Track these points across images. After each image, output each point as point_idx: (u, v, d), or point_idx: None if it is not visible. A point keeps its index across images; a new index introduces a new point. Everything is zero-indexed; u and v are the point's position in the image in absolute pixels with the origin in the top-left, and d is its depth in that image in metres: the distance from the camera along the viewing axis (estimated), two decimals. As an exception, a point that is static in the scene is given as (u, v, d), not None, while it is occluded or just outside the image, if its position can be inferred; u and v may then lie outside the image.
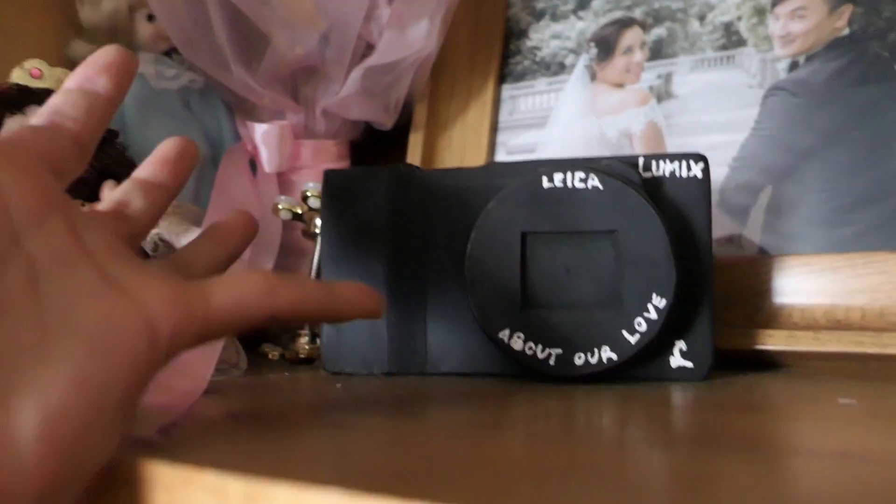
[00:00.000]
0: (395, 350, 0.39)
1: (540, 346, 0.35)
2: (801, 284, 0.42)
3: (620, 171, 0.36)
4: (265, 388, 0.36)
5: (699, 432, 0.25)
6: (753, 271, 0.44)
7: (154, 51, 0.54)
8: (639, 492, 0.17)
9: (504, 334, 0.36)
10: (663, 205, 0.36)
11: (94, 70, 0.25)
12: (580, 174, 0.36)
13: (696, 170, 0.37)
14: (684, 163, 0.37)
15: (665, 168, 0.37)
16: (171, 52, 0.55)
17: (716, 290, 0.44)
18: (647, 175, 0.37)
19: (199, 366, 0.36)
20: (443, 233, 0.39)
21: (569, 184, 0.36)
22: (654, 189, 0.36)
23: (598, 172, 0.36)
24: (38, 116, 0.24)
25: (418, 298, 0.39)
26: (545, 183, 0.36)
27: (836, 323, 0.41)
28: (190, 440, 0.22)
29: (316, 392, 0.34)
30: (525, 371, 0.36)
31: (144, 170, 0.29)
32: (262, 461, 0.19)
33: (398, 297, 0.39)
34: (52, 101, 0.24)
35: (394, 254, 0.40)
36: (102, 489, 0.20)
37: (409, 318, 0.39)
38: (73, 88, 0.25)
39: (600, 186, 0.35)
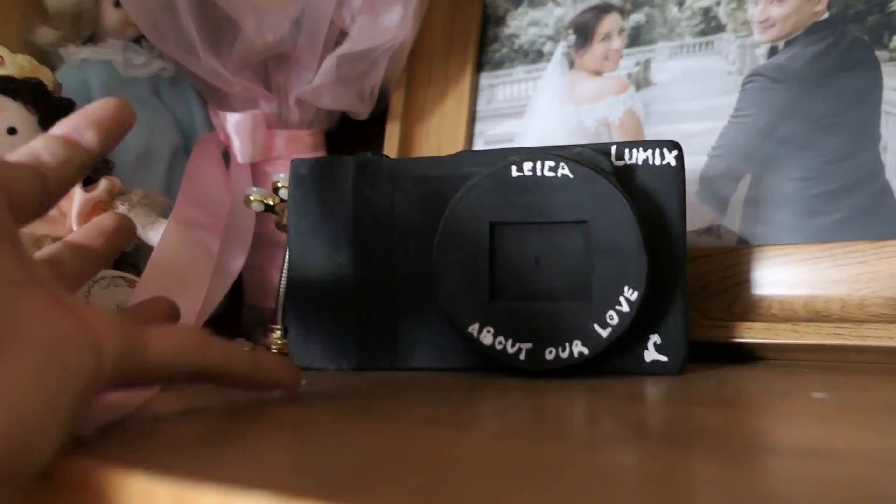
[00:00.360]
0: (363, 344, 0.38)
1: (510, 341, 0.34)
2: (781, 275, 0.41)
3: (591, 160, 0.35)
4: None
5: (669, 428, 0.24)
6: (732, 262, 0.43)
7: (122, 38, 0.53)
8: (601, 490, 0.16)
9: (474, 328, 0.35)
10: (636, 194, 0.35)
11: (84, 122, 0.25)
12: (549, 163, 0.35)
13: (670, 157, 0.36)
14: (658, 151, 0.36)
15: (638, 156, 0.36)
16: (140, 40, 0.53)
17: (694, 280, 0.43)
18: (619, 163, 0.36)
19: None
20: (411, 223, 0.38)
21: (538, 172, 0.35)
22: (626, 177, 0.35)
23: (567, 161, 0.34)
24: (17, 153, 0.24)
25: (387, 291, 0.38)
26: (514, 172, 0.35)
27: (815, 314, 0.40)
28: (127, 440, 0.21)
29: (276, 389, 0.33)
30: (496, 366, 0.35)
31: (80, 234, 0.30)
32: (196, 463, 0.19)
33: (366, 289, 0.38)
34: (35, 143, 0.24)
35: (362, 245, 0.38)
36: (33, 489, 0.20)
37: (377, 312, 0.38)
38: (58, 135, 0.25)
39: (570, 175, 0.34)
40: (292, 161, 0.39)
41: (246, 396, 0.29)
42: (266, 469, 0.18)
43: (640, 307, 0.34)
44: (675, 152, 0.36)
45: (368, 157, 0.39)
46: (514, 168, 0.35)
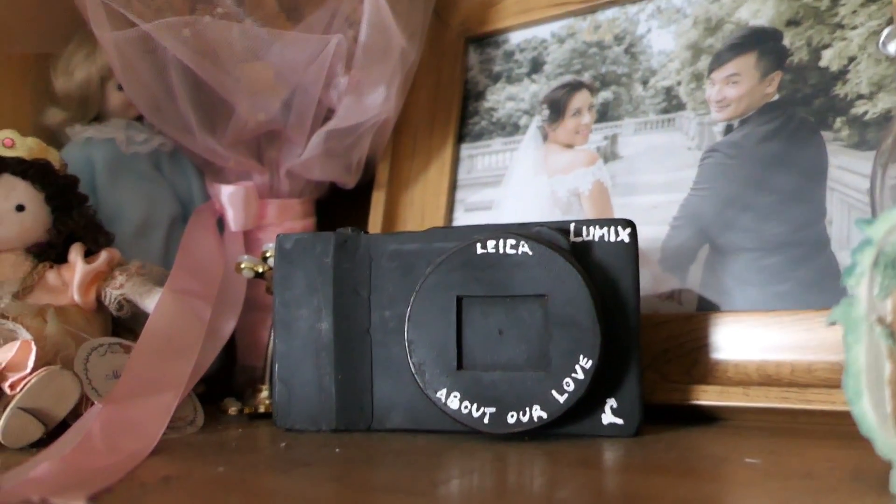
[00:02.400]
0: (341, 408, 0.41)
1: (475, 405, 0.37)
2: (735, 340, 0.44)
3: (550, 238, 0.38)
4: (212, 447, 0.38)
5: (615, 495, 0.27)
6: (690, 327, 0.45)
7: (125, 117, 0.57)
8: None
9: (441, 394, 0.38)
10: (592, 269, 0.38)
11: None
12: (511, 241, 0.38)
13: (624, 234, 0.39)
14: (613, 228, 0.39)
15: (595, 233, 0.39)
16: (141, 118, 0.57)
17: (656, 344, 0.46)
18: (577, 240, 0.39)
19: (151, 426, 0.37)
20: (387, 294, 0.41)
21: (501, 250, 0.38)
22: (583, 253, 0.38)
23: (527, 239, 0.38)
24: None
25: (364, 357, 0.41)
26: (479, 249, 0.38)
27: (767, 378, 0.43)
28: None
29: (257, 452, 0.36)
30: (463, 428, 0.37)
31: None
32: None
33: (345, 356, 0.41)
34: None
35: (340, 314, 0.41)
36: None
37: (355, 377, 0.41)
38: None
39: (530, 252, 0.37)
40: (277, 237, 0.43)
41: (228, 463, 0.32)
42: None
43: (594, 375, 0.36)
44: (628, 230, 0.39)
45: (348, 233, 0.42)
46: (478, 246, 0.38)
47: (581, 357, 0.36)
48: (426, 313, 0.38)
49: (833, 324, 0.26)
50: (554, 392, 0.36)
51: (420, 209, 0.60)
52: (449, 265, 0.38)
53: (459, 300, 0.38)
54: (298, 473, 0.30)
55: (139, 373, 0.41)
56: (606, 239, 0.39)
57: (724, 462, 0.31)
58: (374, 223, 0.59)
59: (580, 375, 0.36)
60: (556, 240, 0.38)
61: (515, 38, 0.61)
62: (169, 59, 0.50)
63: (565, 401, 0.36)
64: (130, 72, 0.50)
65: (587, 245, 0.39)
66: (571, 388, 0.36)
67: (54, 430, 0.39)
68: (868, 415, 0.25)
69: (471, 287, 0.38)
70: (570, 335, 0.37)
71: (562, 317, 0.37)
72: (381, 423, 0.41)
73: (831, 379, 0.41)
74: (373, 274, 0.41)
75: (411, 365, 0.38)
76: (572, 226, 0.39)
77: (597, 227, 0.39)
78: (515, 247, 0.38)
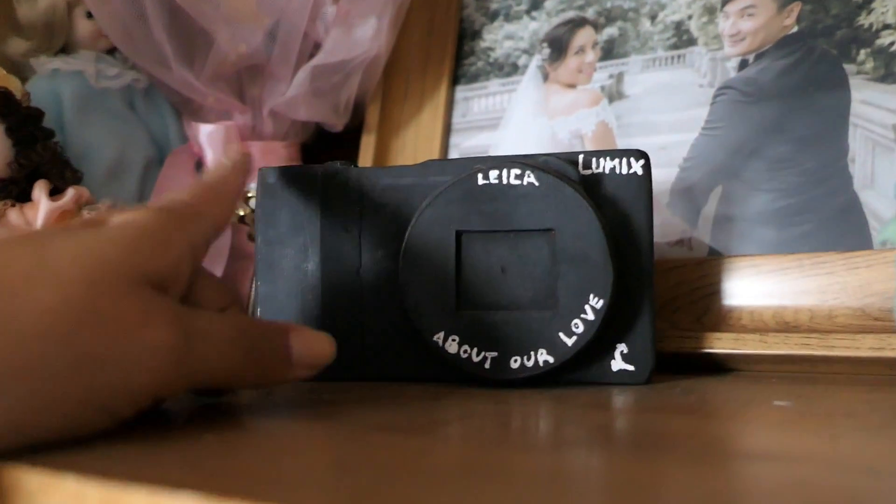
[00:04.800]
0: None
1: (475, 350, 0.34)
2: (750, 286, 0.41)
3: (558, 168, 0.35)
4: (188, 398, 0.35)
5: (631, 434, 0.24)
6: (702, 273, 0.43)
7: (94, 49, 0.52)
8: (561, 495, 0.16)
9: (439, 337, 0.35)
10: (603, 203, 0.35)
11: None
12: (515, 171, 0.34)
13: (637, 167, 0.36)
14: (625, 160, 0.36)
15: (605, 165, 0.36)
16: (113, 51, 0.53)
17: (665, 292, 0.43)
18: (586, 172, 0.36)
19: None
20: (379, 232, 0.38)
21: (504, 180, 0.35)
22: (593, 186, 0.35)
23: (534, 169, 0.34)
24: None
25: (353, 301, 0.38)
26: (480, 180, 0.35)
27: (784, 325, 0.40)
28: (63, 445, 0.21)
29: (237, 396, 0.33)
30: (462, 375, 0.35)
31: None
32: (125, 465, 0.18)
33: (333, 298, 0.38)
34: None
35: (328, 254, 0.38)
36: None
37: (343, 322, 0.38)
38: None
39: (536, 183, 0.34)
40: (260, 170, 0.39)
41: (199, 406, 0.28)
42: (197, 471, 0.18)
43: (605, 316, 0.33)
44: (641, 161, 0.36)
45: (336, 166, 0.39)
46: (480, 176, 0.35)
47: (591, 296, 0.33)
48: (422, 250, 0.35)
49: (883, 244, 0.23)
50: (561, 334, 0.33)
51: (412, 154, 0.57)
52: (447, 198, 0.35)
53: (459, 235, 0.35)
54: (277, 415, 0.27)
55: None
56: (618, 171, 0.36)
57: (751, 404, 0.29)
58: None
59: (590, 316, 0.33)
60: (565, 170, 0.35)
61: (514, -27, 0.57)
62: (141, -19, 0.46)
63: (574, 344, 0.33)
64: (100, -5, 0.45)
65: (597, 178, 0.36)
66: (581, 329, 0.33)
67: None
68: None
69: (471, 221, 0.35)
70: (579, 273, 0.34)
71: (570, 253, 0.34)
72: (372, 370, 0.37)
73: (853, 325, 0.38)
74: (363, 210, 0.38)
75: (405, 306, 0.35)
76: (581, 157, 0.36)
77: (607, 158, 0.36)
78: (520, 177, 0.35)
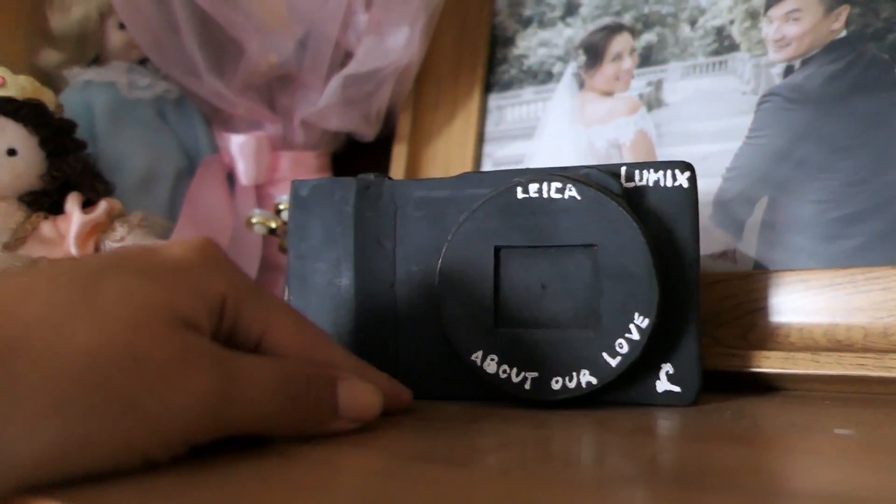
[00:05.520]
0: None
1: (515, 370, 0.33)
2: (799, 302, 0.40)
3: (600, 181, 0.34)
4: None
5: (681, 467, 0.23)
6: (748, 287, 0.41)
7: (127, 59, 0.52)
8: None
9: (477, 356, 0.33)
10: (647, 217, 0.34)
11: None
12: (556, 184, 0.33)
13: (682, 179, 0.34)
14: (669, 172, 0.34)
15: (649, 177, 0.34)
16: (145, 62, 0.53)
17: (708, 306, 0.41)
18: (629, 185, 0.34)
19: None
20: (414, 246, 0.37)
21: (545, 194, 0.33)
22: (636, 200, 0.34)
23: (575, 182, 0.33)
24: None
25: (388, 317, 0.37)
26: (519, 193, 0.34)
27: (836, 343, 0.38)
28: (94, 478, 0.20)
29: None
30: (501, 395, 0.33)
31: None
32: (160, 499, 0.17)
33: (367, 314, 0.37)
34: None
35: (362, 268, 0.37)
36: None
37: (378, 338, 0.37)
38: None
39: (578, 197, 0.33)
40: (292, 182, 0.38)
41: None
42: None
43: (651, 335, 0.32)
44: (687, 173, 0.34)
45: (370, 179, 0.38)
46: (519, 190, 0.34)
47: (636, 315, 0.32)
48: (460, 266, 0.34)
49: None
50: (605, 354, 0.32)
51: (444, 164, 0.56)
52: (485, 212, 0.34)
53: (497, 251, 0.34)
54: (319, 444, 0.26)
55: None
56: (662, 184, 0.34)
57: (810, 432, 0.27)
58: (396, 178, 0.55)
59: (635, 336, 0.32)
60: (608, 183, 0.34)
61: (548, -22, 0.56)
62: (173, -8, 0.45)
63: (618, 364, 0.32)
64: (131, 6, 0.45)
65: (640, 191, 0.34)
66: (625, 349, 0.32)
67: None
68: None
69: (510, 236, 0.34)
70: (623, 290, 0.32)
71: (614, 269, 0.32)
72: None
73: (910, 344, 0.37)
74: (398, 224, 0.37)
75: (442, 323, 0.34)
76: (623, 169, 0.35)
77: (651, 170, 0.34)
78: (561, 190, 0.33)
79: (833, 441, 0.25)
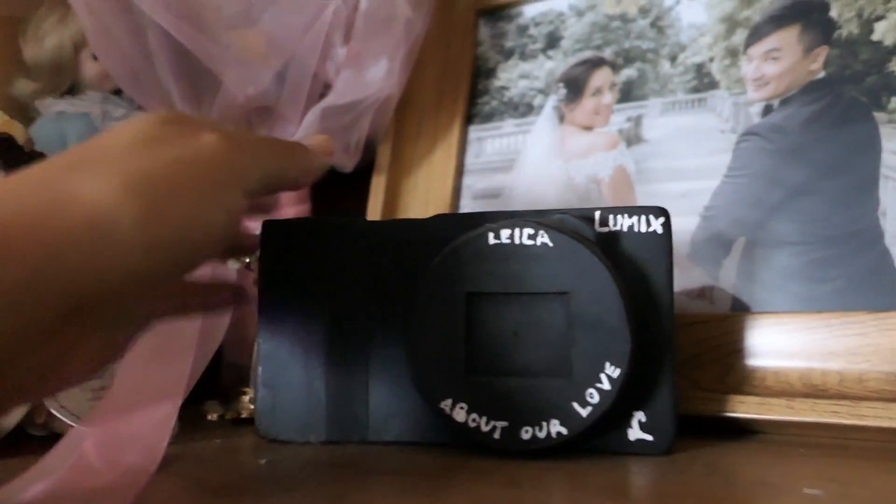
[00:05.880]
0: (333, 416, 0.36)
1: (484, 418, 0.32)
2: (776, 345, 0.39)
3: (573, 227, 0.33)
4: (185, 462, 0.33)
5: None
6: (726, 329, 0.41)
7: (101, 89, 0.52)
8: None
9: (446, 404, 0.33)
10: (621, 263, 0.33)
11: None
12: (528, 230, 0.33)
13: (657, 224, 0.34)
14: (644, 217, 0.34)
15: (623, 222, 0.34)
16: (119, 92, 0.52)
17: (686, 348, 0.41)
18: (603, 230, 0.34)
19: (152, 438, 0.32)
20: (387, 290, 0.36)
21: (517, 240, 0.33)
22: (610, 245, 0.34)
23: (548, 229, 0.33)
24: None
25: (360, 360, 0.36)
26: (491, 239, 0.33)
27: (812, 388, 0.38)
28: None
29: (231, 470, 0.31)
30: (470, 444, 0.33)
31: None
32: None
33: (339, 358, 0.36)
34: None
35: (335, 311, 0.37)
36: None
37: (349, 382, 0.36)
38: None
39: (549, 244, 0.33)
40: (263, 223, 0.38)
41: (199, 484, 0.27)
42: None
43: (622, 385, 0.31)
44: (661, 219, 0.34)
45: (343, 221, 0.37)
46: (490, 235, 0.33)
47: (607, 364, 0.32)
48: (431, 311, 0.34)
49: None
50: (575, 404, 0.32)
51: (424, 195, 0.55)
52: (457, 257, 0.34)
53: (469, 297, 0.33)
54: (272, 497, 0.26)
55: (131, 382, 0.36)
56: (636, 229, 0.34)
57: (780, 492, 0.27)
58: (374, 210, 0.54)
59: (606, 386, 0.32)
60: (581, 229, 0.33)
61: (530, 11, 0.56)
62: (148, 22, 0.45)
63: (588, 415, 0.31)
64: (104, 37, 0.45)
65: (615, 236, 0.34)
66: (596, 399, 0.32)
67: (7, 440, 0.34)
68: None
69: (482, 282, 0.33)
70: (595, 339, 0.32)
71: (586, 318, 0.32)
72: (378, 434, 0.36)
73: (886, 391, 0.36)
74: (371, 266, 0.37)
75: (412, 370, 0.33)
76: (597, 214, 0.34)
77: (626, 215, 0.34)
78: (533, 237, 0.33)
79: (803, 501, 0.25)
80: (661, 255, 0.34)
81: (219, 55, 0.47)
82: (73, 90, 0.52)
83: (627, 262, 0.34)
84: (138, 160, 0.23)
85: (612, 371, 0.31)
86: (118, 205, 0.22)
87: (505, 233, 0.33)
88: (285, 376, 0.37)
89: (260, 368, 0.37)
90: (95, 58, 0.50)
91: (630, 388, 0.32)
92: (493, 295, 0.33)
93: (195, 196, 0.24)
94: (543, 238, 0.33)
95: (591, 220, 0.34)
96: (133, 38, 0.46)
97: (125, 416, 0.34)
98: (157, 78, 0.47)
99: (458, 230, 0.35)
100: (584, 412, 0.32)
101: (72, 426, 0.35)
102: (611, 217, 0.34)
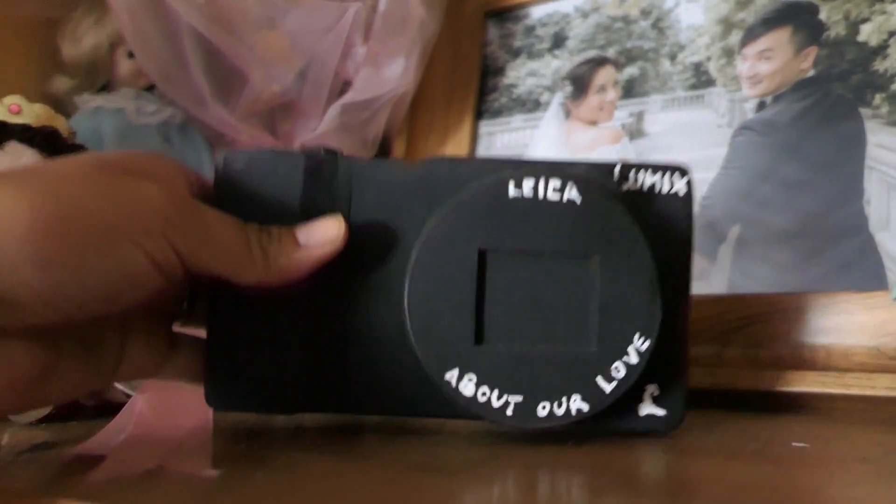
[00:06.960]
0: (305, 384, 0.30)
1: (496, 392, 0.28)
2: (769, 323, 0.42)
3: (601, 182, 0.30)
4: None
5: (658, 483, 0.25)
6: (722, 309, 0.44)
7: (135, 86, 0.55)
8: None
9: (452, 375, 0.28)
10: (642, 226, 0.29)
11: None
12: (555, 182, 0.29)
13: (680, 185, 0.31)
14: (667, 175, 0.31)
15: (645, 180, 0.31)
16: (151, 88, 0.55)
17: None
18: (626, 187, 0.31)
19: (203, 407, 0.31)
20: (375, 241, 0.30)
21: (540, 194, 0.29)
22: (633, 205, 0.30)
23: (577, 182, 0.29)
24: None
25: (339, 321, 0.30)
26: (512, 190, 0.29)
27: (801, 363, 0.41)
28: (111, 488, 0.22)
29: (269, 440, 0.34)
30: (475, 418, 0.29)
31: None
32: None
33: (313, 319, 0.30)
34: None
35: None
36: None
37: (325, 348, 0.30)
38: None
39: (577, 200, 0.29)
40: (221, 152, 0.31)
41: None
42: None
43: (650, 359, 0.29)
44: (685, 179, 0.31)
45: (321, 155, 0.31)
46: (511, 185, 0.29)
47: (636, 336, 0.29)
48: (435, 269, 0.29)
49: (897, 299, 0.25)
50: (600, 379, 0.28)
51: (437, 187, 0.58)
52: (470, 209, 0.29)
53: (483, 255, 0.29)
54: (324, 453, 0.29)
55: None
56: (657, 189, 0.31)
57: (770, 444, 0.30)
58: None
59: (633, 359, 0.29)
60: (609, 185, 0.30)
61: (536, 12, 0.59)
62: (182, 26, 0.48)
63: (612, 391, 0.28)
64: (142, 37, 0.48)
65: (637, 195, 0.31)
66: (622, 374, 0.28)
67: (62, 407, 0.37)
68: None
69: (498, 239, 0.29)
70: (624, 308, 0.29)
71: (616, 284, 0.29)
72: (359, 405, 0.31)
73: (869, 364, 0.39)
74: (355, 212, 0.30)
75: (412, 335, 0.28)
76: (617, 167, 0.30)
77: (649, 172, 0.31)
78: (560, 190, 0.29)
79: (793, 453, 0.28)
80: (684, 220, 0.31)
81: (246, 55, 0.50)
82: (107, 87, 0.55)
83: (650, 226, 0.29)
84: (61, 184, 0.24)
85: (641, 343, 0.29)
86: (14, 215, 0.22)
87: (528, 184, 0.29)
88: (252, 339, 0.30)
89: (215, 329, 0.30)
90: (130, 56, 0.53)
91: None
92: (510, 253, 0.29)
93: (102, 230, 0.24)
94: (571, 193, 0.29)
95: (612, 174, 0.31)
96: (168, 39, 0.49)
97: (167, 389, 0.37)
98: (189, 75, 0.50)
99: (463, 178, 0.30)
100: (608, 387, 0.29)
101: (129, 394, 0.37)
102: (632, 173, 0.31)
